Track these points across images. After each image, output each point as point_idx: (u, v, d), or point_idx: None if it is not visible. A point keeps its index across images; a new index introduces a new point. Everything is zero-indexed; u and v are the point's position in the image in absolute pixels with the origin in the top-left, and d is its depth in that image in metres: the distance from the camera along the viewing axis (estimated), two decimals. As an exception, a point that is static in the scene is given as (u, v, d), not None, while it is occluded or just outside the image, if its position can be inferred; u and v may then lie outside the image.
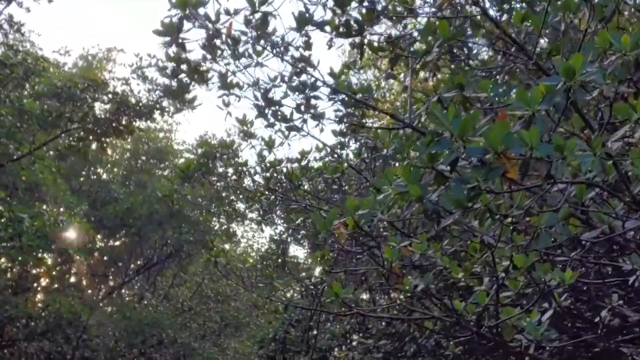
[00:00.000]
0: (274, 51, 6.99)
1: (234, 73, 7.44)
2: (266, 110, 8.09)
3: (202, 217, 25.72)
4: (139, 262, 29.74)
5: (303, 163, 9.91)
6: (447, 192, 3.69)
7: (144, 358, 26.50)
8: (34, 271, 17.01)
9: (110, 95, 15.83)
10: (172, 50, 6.38)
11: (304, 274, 24.22)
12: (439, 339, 11.48)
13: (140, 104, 16.10)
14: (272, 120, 8.09)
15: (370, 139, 8.71)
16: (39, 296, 25.28)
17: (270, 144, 9.42)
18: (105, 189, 26.99)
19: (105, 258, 27.91)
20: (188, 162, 9.73)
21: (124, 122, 16.08)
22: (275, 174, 9.87)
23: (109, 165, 28.57)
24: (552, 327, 4.48)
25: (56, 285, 25.88)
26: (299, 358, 17.75)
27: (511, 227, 4.46)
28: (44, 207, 16.35)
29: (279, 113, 8.14)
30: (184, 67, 6.61)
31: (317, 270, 20.37)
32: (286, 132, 8.79)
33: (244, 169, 9.56)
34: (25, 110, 15.23)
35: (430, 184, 3.84)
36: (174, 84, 6.64)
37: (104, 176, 28.26)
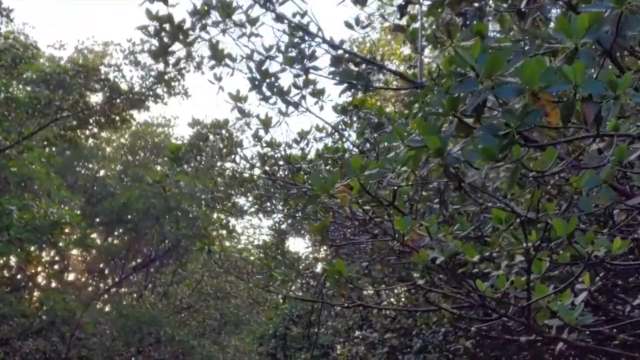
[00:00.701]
0: (270, 12, 6.32)
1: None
2: (261, 84, 7.43)
3: (200, 211, 25.04)
4: (138, 260, 29.05)
5: (302, 144, 9.25)
6: (474, 142, 3.02)
7: (141, 357, 25.86)
8: (29, 268, 16.34)
9: (101, 83, 15.16)
10: (154, 7, 5.72)
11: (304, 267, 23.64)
12: (447, 332, 10.84)
13: (133, 92, 15.43)
14: (268, 93, 7.43)
15: (374, 115, 8.06)
16: (36, 294, 24.60)
17: (266, 122, 8.77)
18: (101, 184, 26.35)
19: (102, 255, 27.24)
20: (178, 145, 9.06)
21: (116, 111, 15.42)
22: (272, 156, 9.22)
23: (105, 161, 27.91)
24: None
25: (53, 284, 25.25)
26: (300, 355, 17.10)
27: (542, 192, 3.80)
28: (35, 199, 15.68)
29: (276, 86, 7.49)
30: (166, 26, 5.94)
31: (319, 266, 19.81)
32: (284, 109, 8.14)
33: (239, 150, 8.90)
34: (13, 97, 14.60)
35: (452, 135, 3.19)
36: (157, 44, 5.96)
37: (101, 172, 27.57)
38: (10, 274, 25.25)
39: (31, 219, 15.01)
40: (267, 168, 9.35)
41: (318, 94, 8.10)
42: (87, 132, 15.65)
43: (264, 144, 8.85)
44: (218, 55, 7.29)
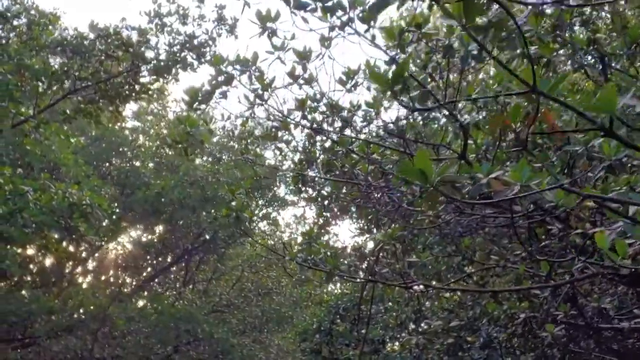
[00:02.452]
0: None
1: None
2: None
3: (238, 200, 23.40)
4: (175, 252, 27.48)
5: (348, 86, 7.48)
6: None
7: (178, 356, 24.33)
8: (51, 257, 14.85)
9: (123, 48, 13.57)
10: None
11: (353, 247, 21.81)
12: (529, 319, 9.02)
13: (159, 59, 13.82)
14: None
15: (441, 38, 6.26)
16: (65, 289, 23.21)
17: (304, 56, 7.05)
18: (135, 174, 24.90)
19: (135, 248, 25.78)
20: (196, 88, 7.36)
21: (141, 81, 13.85)
22: (314, 99, 7.49)
23: (140, 151, 26.43)
24: None
25: (81, 279, 23.90)
26: (348, 351, 15.35)
27: None
28: (55, 181, 14.17)
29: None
30: None
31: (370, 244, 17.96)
32: (326, 33, 6.39)
33: (269, 89, 7.17)
34: (25, 65, 13.13)
35: None
36: None
37: (136, 163, 26.06)
38: (39, 268, 23.96)
39: (48, 201, 13.52)
40: (306, 116, 7.63)
41: (372, 14, 6.33)
42: (110, 106, 14.06)
43: (301, 82, 7.12)
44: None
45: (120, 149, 25.46)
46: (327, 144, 9.34)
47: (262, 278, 28.50)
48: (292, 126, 7.94)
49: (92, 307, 20.27)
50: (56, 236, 14.05)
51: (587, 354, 8.71)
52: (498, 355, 10.90)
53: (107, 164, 25.58)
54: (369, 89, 7.70)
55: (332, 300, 16.82)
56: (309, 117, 7.70)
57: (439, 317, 11.26)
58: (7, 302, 21.34)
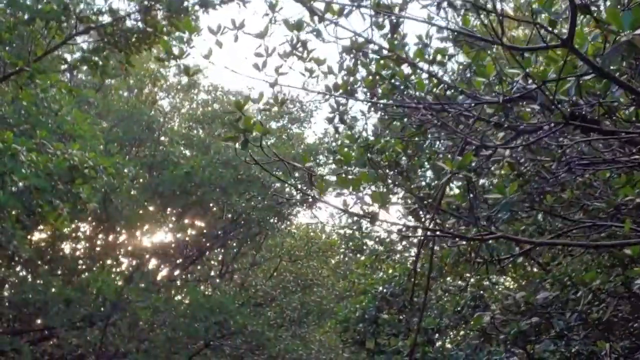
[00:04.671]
0: None
1: None
2: None
3: (274, 179, 21.28)
4: (209, 238, 25.36)
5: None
6: None
7: (209, 350, 22.27)
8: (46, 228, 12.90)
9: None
10: None
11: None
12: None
13: (174, -2, 11.73)
14: None
15: None
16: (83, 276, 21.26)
17: None
18: (162, 152, 22.89)
19: (160, 230, 23.78)
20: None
21: (152, 22, 11.73)
22: None
23: (168, 129, 24.39)
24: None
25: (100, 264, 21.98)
26: (397, 342, 13.01)
27: None
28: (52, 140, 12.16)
29: None
30: None
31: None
32: None
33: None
34: (17, 4, 11.16)
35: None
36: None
37: (165, 141, 24.00)
38: (55, 253, 22.13)
39: (45, 163, 11.52)
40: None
41: None
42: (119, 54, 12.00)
43: None
44: None
45: (148, 129, 23.43)
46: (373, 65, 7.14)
47: (302, 268, 26.34)
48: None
49: (112, 295, 18.24)
50: (59, 205, 12.00)
51: None
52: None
53: (134, 143, 23.61)
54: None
55: (378, 284, 14.51)
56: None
57: (503, 303, 8.94)
58: (21, 290, 19.52)
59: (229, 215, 23.56)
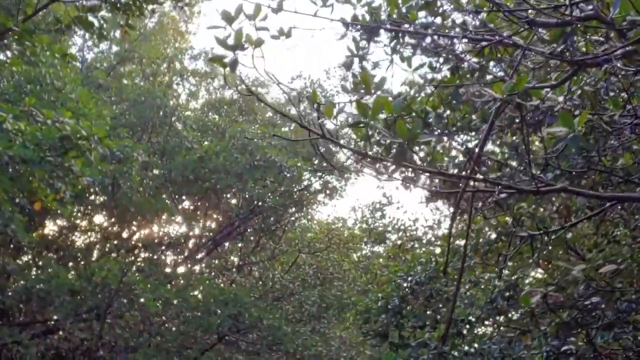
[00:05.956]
0: None
1: None
2: None
3: (291, 162, 20.12)
4: (224, 227, 24.15)
5: None
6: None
7: (223, 345, 21.07)
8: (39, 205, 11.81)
9: None
10: None
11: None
12: None
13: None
14: None
15: None
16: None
17: None
18: (175, 137, 21.76)
19: (172, 219, 22.60)
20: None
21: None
22: None
23: (181, 112, 23.21)
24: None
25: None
26: (423, 334, 11.72)
27: None
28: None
29: None
30: None
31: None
32: None
33: None
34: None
35: None
36: None
37: (179, 126, 22.84)
38: (63, 242, 21.10)
39: (34, 132, 10.41)
40: None
41: None
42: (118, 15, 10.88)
43: None
44: None
45: (162, 113, 22.27)
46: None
47: (322, 261, 25.07)
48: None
49: (117, 283, 17.08)
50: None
51: None
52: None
53: (147, 128, 22.50)
54: None
55: (402, 271, 13.25)
56: None
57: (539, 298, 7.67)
58: (23, 279, 18.47)
59: (245, 204, 22.35)
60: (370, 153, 5.49)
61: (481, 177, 4.46)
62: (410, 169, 4.39)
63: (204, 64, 26.11)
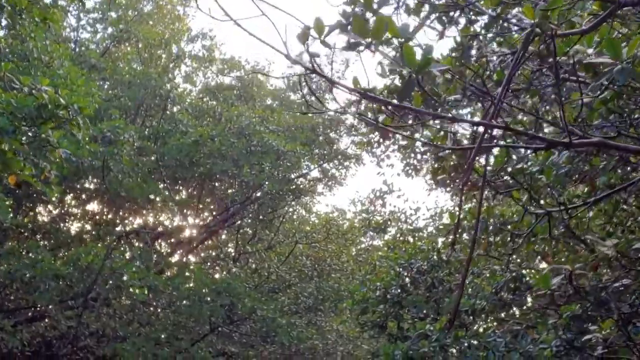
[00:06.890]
0: None
1: None
2: None
3: (289, 146, 19.35)
4: (218, 214, 23.39)
5: None
6: None
7: (215, 336, 20.30)
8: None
9: None
10: None
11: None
12: None
13: None
14: None
15: None
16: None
17: None
18: (171, 120, 20.99)
19: (165, 206, 21.80)
20: None
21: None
22: None
23: (177, 96, 22.41)
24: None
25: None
26: (424, 325, 10.93)
27: None
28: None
29: None
30: None
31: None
32: None
33: None
34: None
35: None
36: None
37: (174, 109, 22.10)
38: (51, 227, 20.34)
39: (8, 99, 9.66)
40: None
41: None
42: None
43: None
44: None
45: (157, 96, 21.49)
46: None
47: (320, 252, 24.34)
48: None
49: (102, 269, 16.32)
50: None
51: None
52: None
53: (140, 111, 21.75)
54: None
55: (402, 258, 12.48)
56: None
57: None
58: (7, 264, 17.67)
59: (240, 190, 21.58)
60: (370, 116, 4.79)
61: (503, 125, 3.68)
62: (413, 114, 3.62)
63: (201, 47, 25.39)
